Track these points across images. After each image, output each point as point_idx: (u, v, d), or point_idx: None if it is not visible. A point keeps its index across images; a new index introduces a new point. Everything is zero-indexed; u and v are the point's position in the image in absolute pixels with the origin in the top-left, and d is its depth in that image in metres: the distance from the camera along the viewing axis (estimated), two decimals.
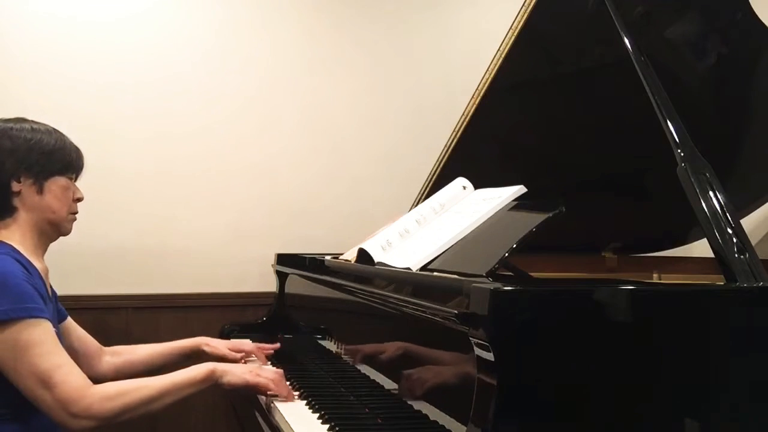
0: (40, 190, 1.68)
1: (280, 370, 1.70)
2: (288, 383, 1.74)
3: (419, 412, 1.36)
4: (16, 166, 1.66)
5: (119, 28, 2.68)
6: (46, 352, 1.52)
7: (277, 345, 2.17)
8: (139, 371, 1.98)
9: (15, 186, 1.66)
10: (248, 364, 1.76)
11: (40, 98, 2.53)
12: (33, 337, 1.52)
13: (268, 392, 1.66)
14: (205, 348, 2.06)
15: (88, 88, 2.63)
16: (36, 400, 1.52)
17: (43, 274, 1.70)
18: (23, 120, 1.72)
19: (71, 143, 1.76)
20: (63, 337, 1.86)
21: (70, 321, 1.93)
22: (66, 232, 1.76)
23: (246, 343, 2.15)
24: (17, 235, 1.67)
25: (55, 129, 1.75)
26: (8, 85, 2.54)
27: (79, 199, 1.77)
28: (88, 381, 1.56)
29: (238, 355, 2.06)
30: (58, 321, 1.84)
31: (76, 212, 1.77)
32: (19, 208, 1.68)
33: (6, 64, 2.56)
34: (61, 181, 1.71)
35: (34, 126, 1.71)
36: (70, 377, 1.53)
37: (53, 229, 1.73)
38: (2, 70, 2.55)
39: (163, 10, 2.74)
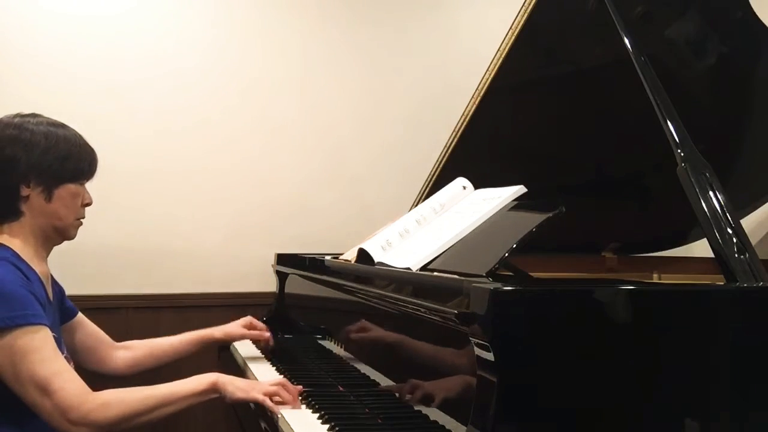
0: (49, 198, 1.65)
1: (283, 381, 1.68)
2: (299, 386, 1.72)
3: (419, 412, 1.36)
4: (27, 170, 1.62)
5: (117, 24, 2.67)
6: (45, 358, 1.52)
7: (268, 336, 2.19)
8: (151, 365, 2.02)
9: (24, 190, 1.64)
10: (251, 381, 1.74)
11: (39, 95, 2.52)
12: (31, 343, 1.51)
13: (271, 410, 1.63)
14: (217, 335, 2.10)
15: (86, 86, 2.63)
16: (35, 406, 1.52)
17: (43, 278, 1.69)
18: (37, 115, 1.69)
19: (85, 145, 1.72)
20: (71, 336, 1.87)
21: (81, 317, 1.93)
22: (70, 238, 1.74)
23: (258, 323, 2.18)
24: (20, 239, 1.65)
25: (66, 126, 1.71)
26: (7, 81, 2.54)
27: (88, 204, 1.75)
28: (87, 388, 1.56)
29: (256, 334, 2.13)
30: (64, 321, 1.85)
31: (83, 217, 1.75)
32: (26, 213, 1.65)
33: (5, 60, 2.56)
34: (71, 188, 1.68)
35: (50, 121, 1.68)
36: (68, 384, 1.52)
37: (58, 234, 1.71)
38: (1, 66, 2.55)
39: (160, 9, 2.73)
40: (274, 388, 1.62)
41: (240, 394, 1.63)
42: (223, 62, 2.80)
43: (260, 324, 2.18)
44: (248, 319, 2.16)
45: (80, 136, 1.73)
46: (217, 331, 2.11)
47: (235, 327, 2.13)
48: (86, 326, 1.94)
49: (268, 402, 1.60)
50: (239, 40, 2.82)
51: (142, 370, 2.01)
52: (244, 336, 2.15)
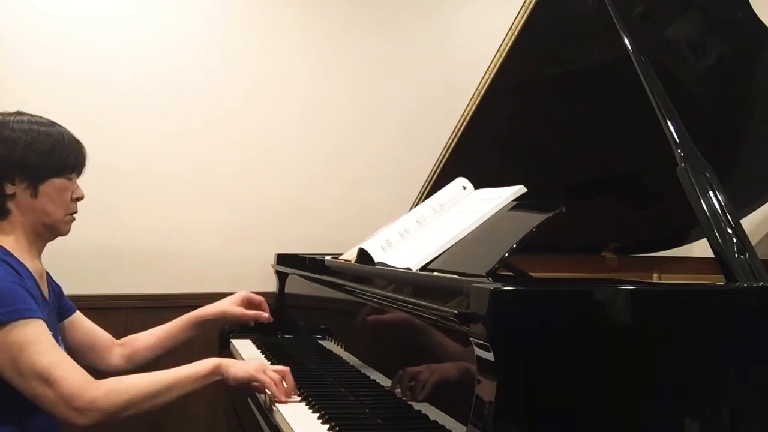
0: (35, 194, 1.64)
1: (285, 369, 1.69)
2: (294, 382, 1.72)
3: (419, 412, 1.36)
4: (10, 168, 1.62)
5: (117, 26, 2.68)
6: (43, 350, 1.51)
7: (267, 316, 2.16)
8: (150, 356, 2.01)
9: (9, 188, 1.63)
10: (255, 361, 1.75)
11: (39, 96, 2.52)
12: (27, 336, 1.51)
13: (269, 394, 1.65)
14: (211, 312, 2.08)
15: (87, 87, 2.63)
16: (38, 398, 1.51)
17: (37, 276, 1.68)
18: (21, 113, 1.68)
19: (71, 138, 1.70)
20: (69, 334, 1.87)
21: (78, 315, 1.92)
22: (63, 233, 1.73)
23: (255, 297, 2.16)
24: (11, 238, 1.65)
25: (53, 122, 1.70)
26: (7, 83, 2.54)
27: (79, 198, 1.73)
28: (89, 376, 1.56)
29: (249, 313, 2.10)
30: (61, 318, 1.84)
31: (75, 212, 1.73)
32: (13, 211, 1.65)
33: (5, 62, 2.56)
34: (57, 182, 1.67)
35: (33, 119, 1.67)
36: (70, 373, 1.52)
37: (48, 231, 1.70)
38: (1, 68, 2.55)
39: (162, 10, 2.73)
40: (276, 376, 1.64)
41: (244, 375, 1.65)
42: (224, 64, 2.80)
43: (257, 298, 2.14)
44: (243, 295, 2.14)
45: (67, 131, 1.71)
46: (211, 309, 2.09)
47: (230, 305, 2.10)
48: (84, 324, 1.93)
49: (273, 387, 1.62)
50: (240, 43, 2.82)
51: (141, 364, 2.00)
52: (241, 315, 2.11)
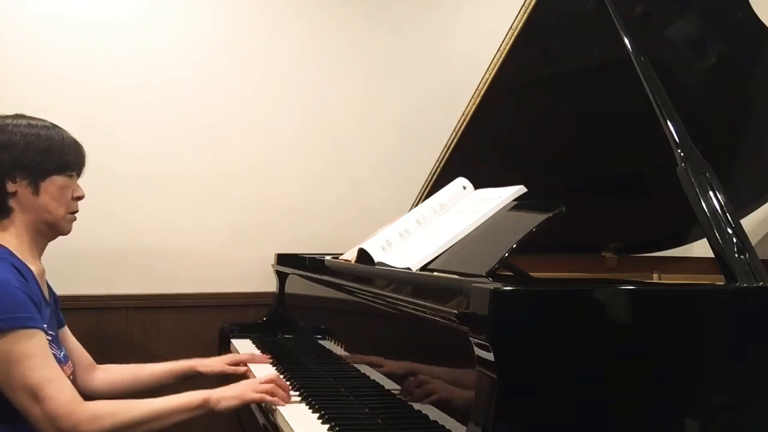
0: (36, 191, 1.64)
1: (272, 377, 1.68)
2: (287, 383, 1.72)
3: (419, 412, 1.36)
4: (11, 166, 1.62)
5: (119, 29, 2.68)
6: (38, 365, 1.50)
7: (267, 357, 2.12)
8: (131, 390, 1.94)
9: (10, 187, 1.63)
10: (243, 381, 1.74)
11: (40, 99, 2.52)
12: (25, 348, 1.49)
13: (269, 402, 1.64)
14: (201, 369, 2.01)
15: (88, 90, 2.63)
16: (25, 412, 1.50)
17: (38, 276, 1.68)
18: (21, 116, 1.68)
19: (70, 139, 1.71)
20: (61, 343, 1.85)
21: (66, 331, 1.89)
22: (65, 232, 1.73)
23: (242, 356, 2.10)
24: (14, 237, 1.65)
25: (53, 124, 1.70)
26: (8, 86, 2.54)
27: (80, 197, 1.73)
28: (79, 397, 1.54)
29: (241, 369, 2.01)
30: (57, 326, 1.83)
31: (76, 211, 1.73)
32: (15, 209, 1.64)
33: (6, 65, 2.56)
34: (58, 180, 1.67)
35: (32, 122, 1.67)
36: (60, 392, 1.50)
37: (51, 229, 1.70)
38: (2, 70, 2.55)
39: (163, 12, 2.73)
40: (267, 386, 1.62)
41: (235, 402, 1.62)
42: (225, 65, 2.80)
43: (243, 357, 2.08)
44: (233, 356, 2.10)
45: (66, 133, 1.71)
46: (200, 366, 2.01)
47: (219, 364, 2.03)
48: (69, 340, 1.90)
49: (267, 398, 1.60)
50: (240, 44, 2.82)
51: (118, 395, 1.92)
52: (224, 372, 2.02)
